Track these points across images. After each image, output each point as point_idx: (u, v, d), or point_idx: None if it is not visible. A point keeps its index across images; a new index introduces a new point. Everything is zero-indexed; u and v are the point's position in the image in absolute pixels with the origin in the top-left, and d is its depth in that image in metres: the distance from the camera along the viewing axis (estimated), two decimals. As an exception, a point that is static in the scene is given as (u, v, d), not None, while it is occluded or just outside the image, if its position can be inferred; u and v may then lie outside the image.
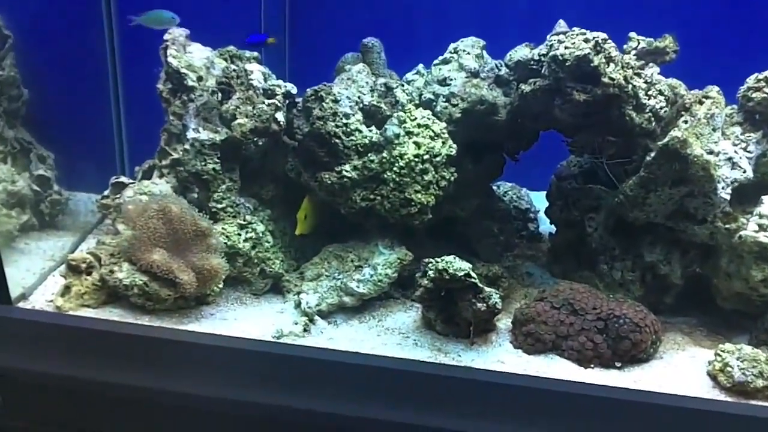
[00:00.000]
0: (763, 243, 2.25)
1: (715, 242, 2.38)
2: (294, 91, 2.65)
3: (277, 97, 2.59)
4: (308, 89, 2.55)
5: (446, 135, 2.51)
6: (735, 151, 2.35)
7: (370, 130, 2.50)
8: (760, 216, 2.28)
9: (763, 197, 2.33)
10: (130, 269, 2.29)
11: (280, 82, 2.64)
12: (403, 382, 2.07)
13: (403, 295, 2.59)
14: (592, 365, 2.19)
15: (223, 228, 2.52)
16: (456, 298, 2.27)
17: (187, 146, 2.56)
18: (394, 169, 2.44)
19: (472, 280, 2.20)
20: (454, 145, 2.51)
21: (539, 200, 3.38)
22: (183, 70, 2.59)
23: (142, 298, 2.29)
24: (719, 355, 2.13)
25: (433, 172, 2.48)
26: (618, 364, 2.20)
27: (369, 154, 2.48)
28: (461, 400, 2.04)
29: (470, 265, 2.24)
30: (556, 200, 2.79)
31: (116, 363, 2.15)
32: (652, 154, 2.30)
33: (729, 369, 2.07)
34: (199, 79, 2.60)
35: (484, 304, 2.22)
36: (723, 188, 2.26)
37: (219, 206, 2.57)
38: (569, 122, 2.41)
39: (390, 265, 2.48)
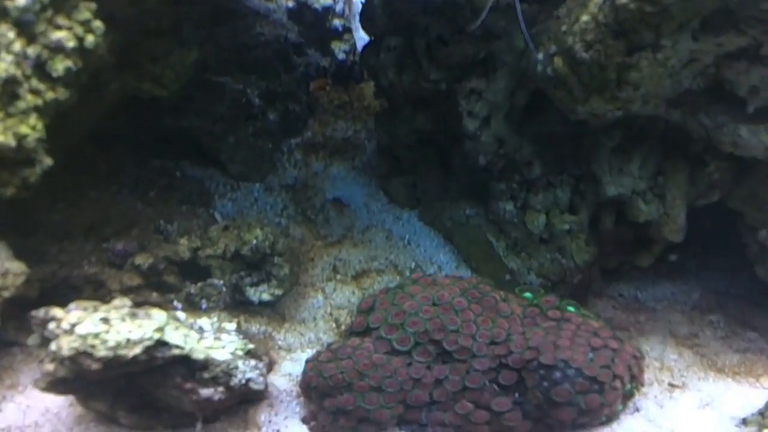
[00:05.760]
0: None
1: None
2: None
3: None
4: None
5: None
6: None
7: None
8: None
9: None
10: None
11: None
12: None
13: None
14: (488, 452, 1.21)
15: None
16: (146, 383, 1.24)
17: None
18: None
19: (176, 352, 1.17)
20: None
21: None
22: None
23: None
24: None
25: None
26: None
27: None
28: None
29: (162, 316, 1.19)
30: (384, 42, 1.45)
31: None
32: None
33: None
34: None
35: (218, 388, 1.21)
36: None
37: None
38: None
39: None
